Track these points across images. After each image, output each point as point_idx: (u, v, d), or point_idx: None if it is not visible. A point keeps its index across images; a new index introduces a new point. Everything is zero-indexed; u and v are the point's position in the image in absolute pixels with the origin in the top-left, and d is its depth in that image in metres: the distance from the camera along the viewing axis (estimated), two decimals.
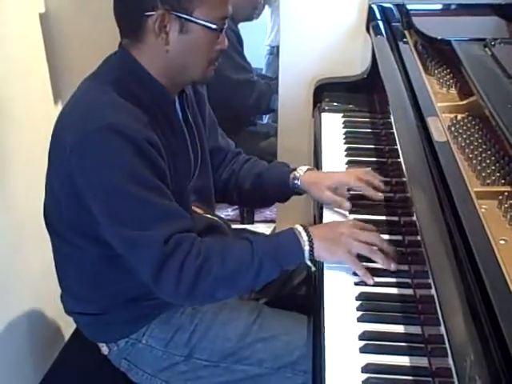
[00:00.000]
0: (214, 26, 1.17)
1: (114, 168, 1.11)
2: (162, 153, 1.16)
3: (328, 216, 1.40)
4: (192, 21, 1.15)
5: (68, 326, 1.53)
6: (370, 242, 1.21)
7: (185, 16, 1.14)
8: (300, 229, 1.21)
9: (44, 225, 1.33)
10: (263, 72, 3.52)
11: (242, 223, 2.80)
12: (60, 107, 1.95)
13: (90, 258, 1.27)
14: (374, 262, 1.20)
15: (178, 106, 1.31)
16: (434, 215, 1.02)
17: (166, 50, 1.17)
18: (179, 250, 1.13)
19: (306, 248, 1.19)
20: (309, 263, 1.21)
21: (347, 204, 1.38)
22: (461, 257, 0.91)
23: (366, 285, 1.18)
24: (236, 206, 2.87)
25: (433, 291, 0.90)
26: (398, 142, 1.26)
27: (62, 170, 1.16)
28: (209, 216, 1.40)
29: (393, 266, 1.18)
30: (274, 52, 3.47)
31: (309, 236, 1.19)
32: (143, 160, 1.11)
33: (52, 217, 1.30)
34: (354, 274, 1.21)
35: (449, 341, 0.79)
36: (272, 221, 2.75)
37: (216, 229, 1.40)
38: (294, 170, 1.48)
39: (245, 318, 1.34)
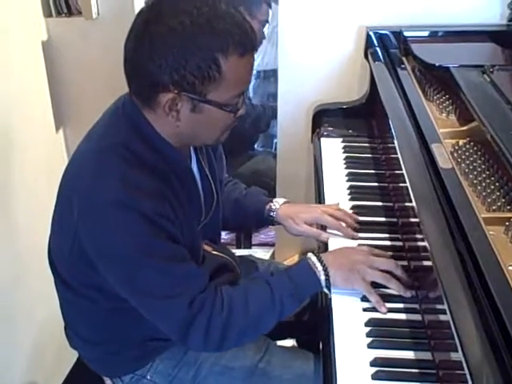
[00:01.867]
0: (229, 108, 1.09)
1: (127, 241, 1.07)
2: (173, 220, 1.12)
3: (333, 243, 1.40)
4: (206, 103, 1.07)
5: (71, 356, 1.52)
6: (385, 269, 1.21)
7: (198, 99, 1.06)
8: (314, 259, 1.21)
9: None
10: (250, 95, 3.56)
11: (239, 247, 2.80)
12: (61, 134, 1.97)
13: (100, 309, 1.25)
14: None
15: (194, 157, 1.28)
16: (445, 241, 1.03)
17: (177, 126, 1.11)
18: (204, 309, 1.12)
19: (322, 278, 1.19)
20: (326, 291, 1.21)
21: (325, 235, 1.41)
22: (474, 283, 0.92)
23: (375, 311, 1.18)
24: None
25: (447, 317, 0.91)
26: (404, 168, 1.27)
27: (70, 236, 1.13)
28: (217, 253, 1.39)
29: (408, 294, 1.18)
30: (261, 76, 3.50)
31: (323, 265, 1.20)
32: (155, 230, 1.08)
33: (60, 266, 1.26)
34: (362, 299, 1.22)
35: (468, 367, 0.79)
36: (269, 244, 2.74)
37: (226, 267, 1.38)
38: (270, 201, 1.49)
39: (251, 356, 1.33)
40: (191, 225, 1.21)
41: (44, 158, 1.77)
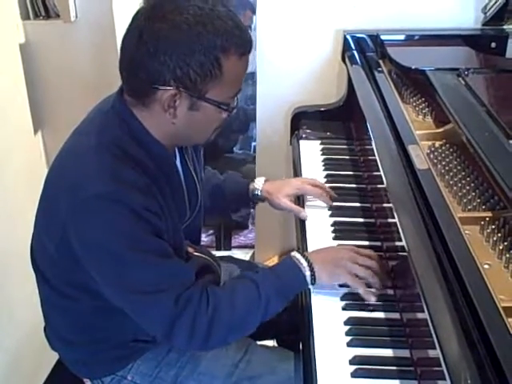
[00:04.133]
0: (225, 107, 1.13)
1: (115, 236, 1.07)
2: (160, 215, 1.13)
3: (313, 244, 1.41)
4: (205, 100, 1.10)
5: (51, 358, 1.51)
6: (368, 265, 1.23)
7: (197, 96, 1.09)
8: (298, 256, 1.22)
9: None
10: None
11: (218, 249, 2.81)
12: (40, 137, 1.96)
13: (83, 309, 1.24)
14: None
15: (178, 156, 1.29)
16: (422, 241, 1.05)
17: (173, 123, 1.12)
18: (189, 306, 1.11)
19: (308, 273, 1.19)
20: (311, 287, 1.23)
21: (304, 213, 1.50)
22: (451, 281, 0.94)
23: (354, 309, 1.20)
24: (211, 232, 2.87)
25: (425, 315, 0.93)
26: (381, 169, 1.29)
27: (57, 233, 1.12)
28: (199, 255, 1.39)
29: (373, 299, 1.20)
30: None
31: (308, 261, 1.20)
32: (143, 225, 1.08)
33: (43, 266, 1.26)
34: (341, 298, 1.23)
35: (445, 363, 0.81)
36: (249, 246, 2.75)
37: (208, 268, 1.39)
38: (252, 181, 1.55)
39: (231, 356, 1.34)
40: (176, 224, 1.22)
41: (22, 161, 1.76)
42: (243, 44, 1.09)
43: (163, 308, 1.11)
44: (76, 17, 1.84)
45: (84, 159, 1.11)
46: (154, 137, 1.15)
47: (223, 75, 1.08)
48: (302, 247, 1.43)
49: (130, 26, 1.10)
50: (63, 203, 1.09)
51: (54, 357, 1.45)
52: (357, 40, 1.95)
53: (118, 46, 1.87)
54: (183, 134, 1.17)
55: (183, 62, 1.04)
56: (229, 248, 2.78)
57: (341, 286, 1.25)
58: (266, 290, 1.16)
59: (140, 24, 1.07)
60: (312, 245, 1.41)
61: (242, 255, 2.49)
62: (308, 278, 1.20)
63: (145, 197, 1.09)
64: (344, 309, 1.22)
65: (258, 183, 1.54)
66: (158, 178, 1.16)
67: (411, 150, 1.33)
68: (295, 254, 1.23)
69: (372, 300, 1.19)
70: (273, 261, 2.36)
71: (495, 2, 1.87)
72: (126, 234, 1.07)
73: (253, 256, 2.47)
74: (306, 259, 1.21)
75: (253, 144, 2.78)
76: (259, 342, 1.49)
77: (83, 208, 1.07)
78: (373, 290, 1.22)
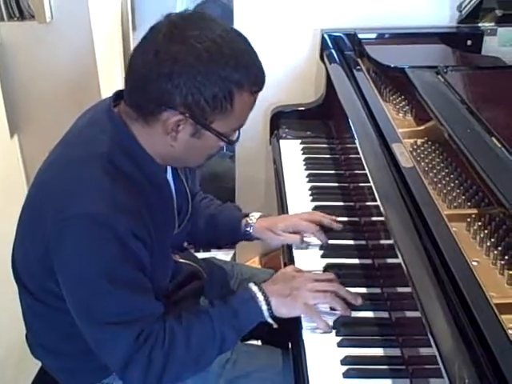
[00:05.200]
0: (226, 139, 1.12)
1: (92, 261, 1.05)
2: (146, 240, 1.10)
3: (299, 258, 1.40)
4: (208, 130, 1.09)
5: (33, 365, 1.48)
6: (326, 290, 1.20)
7: (202, 125, 1.08)
8: (255, 289, 1.19)
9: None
10: None
11: (197, 251, 2.78)
12: (16, 140, 1.92)
13: (65, 319, 1.20)
14: None
15: (169, 170, 1.26)
16: (411, 238, 1.06)
17: (171, 145, 1.11)
18: (148, 342, 1.09)
19: (264, 308, 1.17)
20: (270, 321, 1.19)
21: (305, 243, 1.41)
22: (442, 279, 0.94)
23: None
24: None
25: (418, 313, 0.93)
26: (366, 168, 1.29)
27: (41, 245, 1.10)
28: (184, 261, 1.38)
29: (348, 313, 1.18)
30: None
31: (264, 295, 1.17)
32: (125, 253, 1.06)
33: (25, 276, 1.23)
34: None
35: (441, 359, 0.81)
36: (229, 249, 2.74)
37: (194, 276, 1.38)
38: (247, 215, 1.47)
39: (218, 357, 1.31)
40: (163, 240, 1.20)
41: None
42: (258, 82, 1.10)
43: (123, 342, 1.08)
44: (51, 18, 1.81)
45: (73, 172, 1.09)
46: (146, 152, 1.13)
47: (233, 109, 1.07)
48: (287, 253, 1.43)
49: (146, 40, 1.07)
50: (49, 217, 1.07)
51: (36, 364, 1.42)
52: (334, 39, 1.95)
53: (96, 46, 1.88)
54: (178, 156, 1.15)
55: (196, 90, 1.03)
56: (209, 249, 2.76)
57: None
58: (221, 326, 1.14)
59: (158, 41, 1.04)
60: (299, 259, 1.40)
61: (223, 256, 2.47)
62: (265, 313, 1.17)
63: (133, 220, 1.07)
64: (333, 309, 1.21)
65: (252, 218, 1.46)
66: (147, 193, 1.14)
67: (395, 148, 1.33)
68: (252, 286, 1.20)
69: (327, 329, 1.16)
70: (254, 261, 2.35)
71: (470, 1, 1.89)
72: (103, 262, 1.05)
73: (234, 257, 2.46)
74: (263, 293, 1.18)
75: None
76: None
77: (67, 226, 1.05)
78: (338, 312, 1.19)
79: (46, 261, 1.10)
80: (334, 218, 1.46)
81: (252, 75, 1.07)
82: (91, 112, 1.21)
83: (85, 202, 1.04)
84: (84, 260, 1.05)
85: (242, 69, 1.05)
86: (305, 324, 1.19)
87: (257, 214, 1.47)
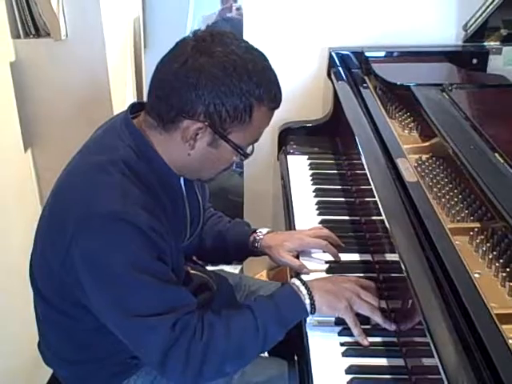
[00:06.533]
0: (243, 151, 1.17)
1: (119, 257, 1.07)
2: (164, 236, 1.13)
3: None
4: (226, 140, 1.13)
5: (45, 373, 1.51)
6: (369, 301, 1.21)
7: (221, 134, 1.12)
8: (298, 283, 1.20)
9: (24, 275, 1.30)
10: None
11: (206, 265, 2.80)
12: (30, 155, 1.96)
13: (84, 328, 1.23)
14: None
15: (183, 179, 1.27)
16: (415, 251, 1.08)
17: (188, 154, 1.15)
18: (185, 333, 1.09)
19: (307, 302, 1.17)
20: (311, 317, 1.20)
21: (306, 270, 1.38)
22: (445, 290, 0.97)
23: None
24: None
25: (421, 325, 0.95)
26: (372, 183, 1.32)
27: (63, 248, 1.11)
28: (195, 272, 1.41)
29: (393, 327, 1.18)
30: None
31: (308, 289, 1.18)
32: (149, 248, 1.09)
33: (43, 284, 1.25)
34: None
35: (443, 369, 0.84)
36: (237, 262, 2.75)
37: (205, 286, 1.40)
38: (254, 231, 1.48)
39: None
40: (177, 244, 1.23)
41: (12, 178, 1.76)
42: (276, 100, 1.15)
43: (159, 333, 1.09)
44: (66, 35, 1.86)
45: (93, 176, 1.12)
46: (162, 159, 1.17)
47: (251, 122, 1.12)
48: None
49: (174, 51, 1.13)
50: (72, 219, 1.09)
51: (47, 371, 1.44)
52: (342, 57, 2.00)
53: (109, 64, 1.93)
54: (193, 166, 1.19)
55: (219, 100, 1.08)
56: (217, 265, 2.78)
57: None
58: (263, 319, 1.14)
59: (185, 52, 1.10)
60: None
61: (231, 270, 2.49)
62: (308, 307, 1.17)
63: (151, 216, 1.10)
64: (337, 323, 1.23)
65: (260, 234, 1.46)
66: (163, 198, 1.17)
67: (400, 163, 1.36)
68: (295, 280, 1.21)
69: (365, 344, 1.17)
70: (261, 275, 2.38)
71: (476, 20, 1.92)
72: (130, 255, 1.08)
73: (241, 270, 2.49)
74: (306, 287, 1.19)
75: None
76: None
77: (91, 225, 1.08)
78: (369, 326, 1.20)
79: (69, 263, 1.11)
80: (338, 241, 1.46)
81: (272, 92, 1.13)
82: (109, 123, 1.25)
83: (106, 202, 1.08)
84: (112, 255, 1.07)
85: (263, 85, 1.11)
86: (308, 319, 1.21)
87: (264, 230, 1.48)
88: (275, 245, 1.44)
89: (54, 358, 1.36)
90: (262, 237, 1.46)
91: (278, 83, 1.16)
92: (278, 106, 1.18)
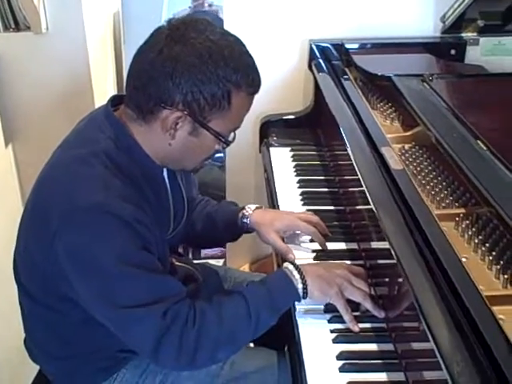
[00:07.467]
0: (224, 139, 1.17)
1: (105, 249, 1.07)
2: (149, 227, 1.13)
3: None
4: (206, 128, 1.13)
5: (31, 369, 1.49)
6: (361, 287, 1.22)
7: (200, 123, 1.12)
8: (291, 267, 1.20)
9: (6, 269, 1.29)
10: None
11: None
12: (11, 150, 1.94)
13: (70, 322, 1.23)
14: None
15: (166, 170, 1.27)
16: (405, 238, 1.10)
17: (169, 144, 1.15)
18: (177, 321, 1.09)
19: (300, 286, 1.17)
20: (303, 302, 1.20)
21: (291, 255, 1.37)
22: (436, 274, 0.99)
23: (337, 310, 1.21)
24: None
25: (414, 311, 0.97)
26: (358, 172, 1.33)
27: (47, 243, 1.10)
28: (182, 264, 1.41)
29: (382, 314, 1.19)
30: None
31: (301, 273, 1.18)
32: (134, 239, 1.09)
33: (28, 279, 1.25)
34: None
35: (438, 350, 0.85)
36: (216, 257, 2.75)
37: (191, 278, 1.40)
38: (243, 208, 1.48)
39: None
40: (162, 235, 1.23)
41: None
42: (255, 84, 1.15)
43: (151, 322, 1.08)
44: (47, 29, 1.84)
45: (75, 168, 1.12)
46: (144, 151, 1.17)
47: (230, 108, 1.12)
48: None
49: (149, 41, 1.12)
50: (55, 212, 1.09)
51: (34, 368, 1.43)
52: (322, 49, 2.01)
53: (90, 57, 1.91)
54: (175, 156, 1.19)
55: (196, 88, 1.08)
56: (199, 258, 2.78)
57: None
58: (255, 304, 1.14)
59: (161, 41, 1.09)
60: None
61: (214, 263, 2.49)
62: (300, 291, 1.17)
63: (135, 208, 1.10)
64: (326, 311, 1.24)
65: (248, 210, 1.46)
66: (146, 190, 1.17)
67: (385, 151, 1.38)
68: (288, 265, 1.21)
69: (356, 330, 1.18)
70: (244, 269, 2.38)
71: (453, 12, 1.95)
72: (116, 247, 1.07)
73: (224, 263, 2.49)
74: (299, 271, 1.19)
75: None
76: None
77: (75, 219, 1.07)
78: (358, 313, 1.21)
79: (53, 257, 1.10)
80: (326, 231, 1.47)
81: (249, 77, 1.12)
82: (90, 116, 1.25)
83: (88, 194, 1.07)
84: (97, 249, 1.07)
85: (241, 70, 1.10)
86: (298, 307, 1.22)
87: (253, 206, 1.48)
88: (264, 222, 1.44)
89: (41, 354, 1.35)
90: (250, 212, 1.46)
91: (255, 68, 1.15)
92: (257, 91, 1.17)
